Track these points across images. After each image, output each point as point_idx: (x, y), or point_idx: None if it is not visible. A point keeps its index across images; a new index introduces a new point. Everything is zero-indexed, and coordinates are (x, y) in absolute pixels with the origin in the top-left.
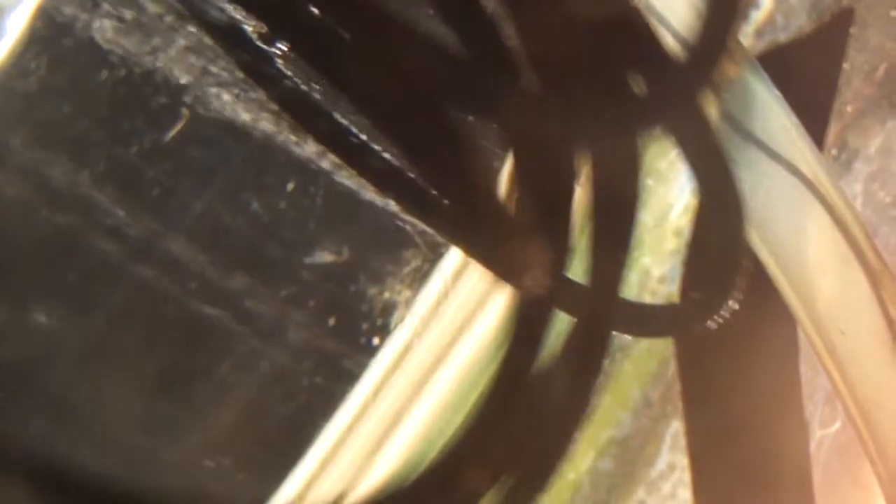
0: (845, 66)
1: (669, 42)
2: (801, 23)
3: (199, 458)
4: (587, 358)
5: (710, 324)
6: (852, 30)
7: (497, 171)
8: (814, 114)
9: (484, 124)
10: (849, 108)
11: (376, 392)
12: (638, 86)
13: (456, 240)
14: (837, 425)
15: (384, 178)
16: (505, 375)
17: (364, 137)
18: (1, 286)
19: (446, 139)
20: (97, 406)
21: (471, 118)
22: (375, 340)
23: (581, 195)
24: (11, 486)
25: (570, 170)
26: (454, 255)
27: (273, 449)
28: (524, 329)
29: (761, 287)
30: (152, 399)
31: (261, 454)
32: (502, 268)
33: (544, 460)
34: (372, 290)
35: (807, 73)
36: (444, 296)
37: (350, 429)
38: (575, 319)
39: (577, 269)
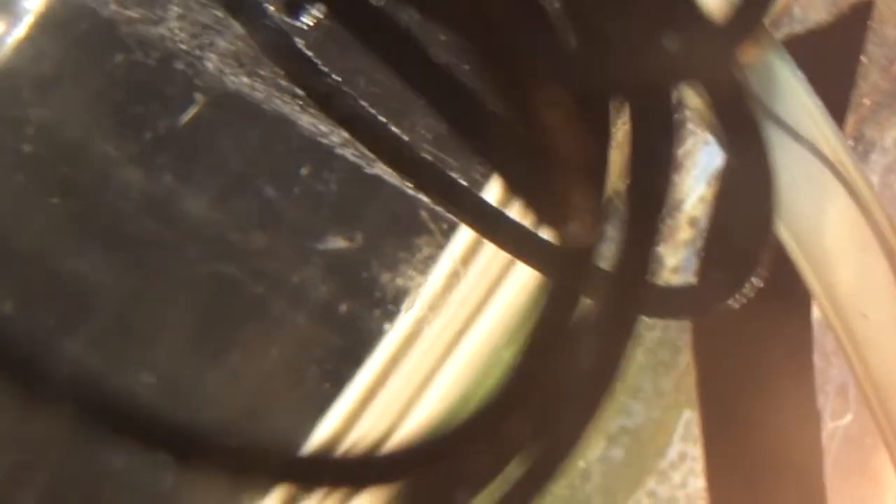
0: (863, 59)
1: (705, 3)
2: (818, 16)
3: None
4: (612, 339)
5: (733, 303)
6: (870, 23)
7: (535, 128)
8: (831, 106)
9: (518, 80)
10: (866, 101)
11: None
12: (672, 44)
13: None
14: (849, 417)
15: (403, 161)
16: (545, 327)
17: (383, 119)
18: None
19: (482, 97)
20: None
21: (506, 75)
22: (387, 327)
23: (615, 158)
24: (53, 412)
25: (606, 127)
26: (465, 237)
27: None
28: (564, 280)
29: (776, 277)
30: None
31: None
32: (549, 215)
33: (567, 433)
34: (385, 277)
35: (824, 66)
36: (456, 277)
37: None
38: (601, 298)
39: (609, 236)
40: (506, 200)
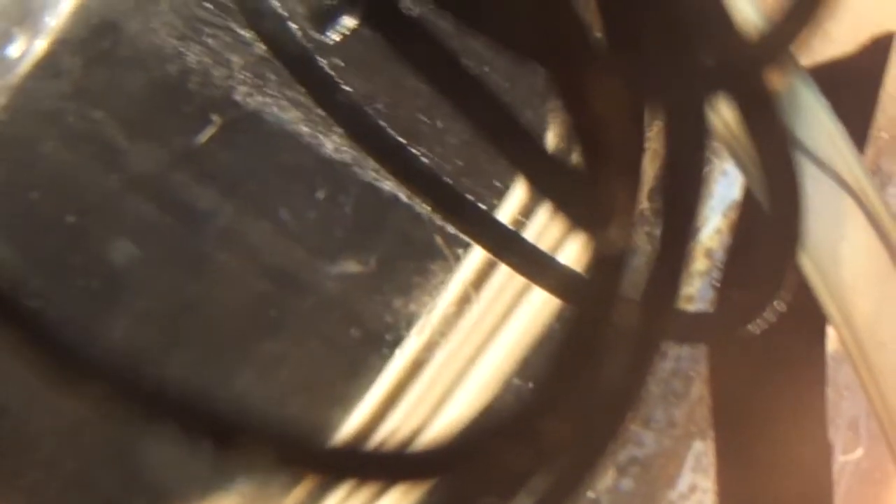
0: (882, 92)
1: (742, 19)
2: (839, 48)
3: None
4: (636, 361)
5: (754, 328)
6: (891, 56)
7: (570, 134)
8: (849, 137)
9: (551, 87)
10: (884, 135)
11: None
12: (708, 57)
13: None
14: (860, 451)
15: (420, 182)
16: (569, 345)
17: (402, 139)
18: None
19: (516, 103)
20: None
21: (539, 82)
22: (398, 352)
23: (646, 169)
24: (90, 390)
25: (640, 137)
26: (477, 261)
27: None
28: (598, 282)
29: (790, 310)
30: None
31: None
32: (585, 217)
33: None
34: (398, 302)
35: (844, 98)
36: (468, 302)
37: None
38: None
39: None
40: (522, 223)
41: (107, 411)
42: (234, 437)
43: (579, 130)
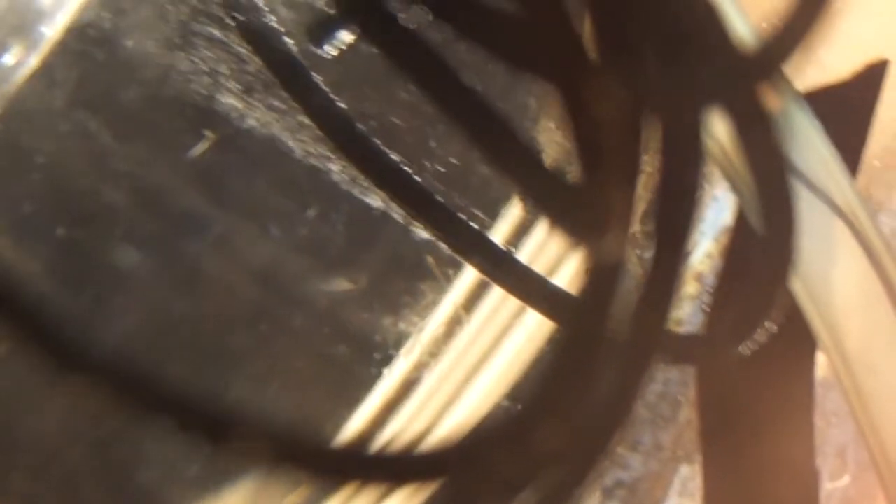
0: (875, 119)
1: (736, 38)
2: (831, 75)
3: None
4: (627, 380)
5: (743, 350)
6: (883, 84)
7: (566, 148)
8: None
9: (547, 102)
10: (876, 163)
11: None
12: (704, 66)
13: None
14: (847, 479)
15: (413, 200)
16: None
17: (395, 157)
18: None
19: (511, 114)
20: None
21: (535, 97)
22: (386, 371)
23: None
24: (89, 388)
25: (636, 150)
26: (468, 283)
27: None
28: (595, 294)
29: (780, 336)
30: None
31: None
32: (583, 227)
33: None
34: (387, 321)
35: (836, 125)
36: (459, 324)
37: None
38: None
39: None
40: (515, 244)
41: (101, 415)
42: (229, 441)
43: (575, 144)
